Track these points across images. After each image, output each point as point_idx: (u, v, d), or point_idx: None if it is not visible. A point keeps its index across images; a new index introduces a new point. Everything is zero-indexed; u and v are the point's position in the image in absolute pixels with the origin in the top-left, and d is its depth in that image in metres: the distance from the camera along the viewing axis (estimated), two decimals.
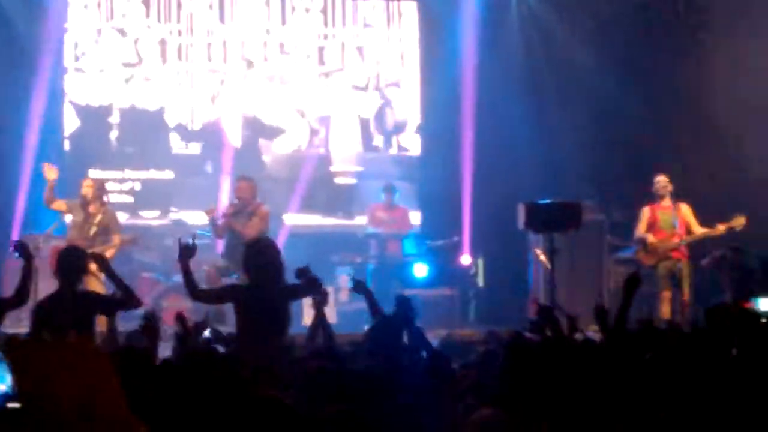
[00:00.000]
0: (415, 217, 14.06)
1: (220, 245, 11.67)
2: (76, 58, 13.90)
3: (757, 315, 6.36)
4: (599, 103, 13.88)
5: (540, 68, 14.33)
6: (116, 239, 10.75)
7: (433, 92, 14.51)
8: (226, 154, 14.04)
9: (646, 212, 11.62)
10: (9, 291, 11.49)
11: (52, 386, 3.55)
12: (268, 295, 7.23)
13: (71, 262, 7.35)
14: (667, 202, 11.52)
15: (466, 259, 13.44)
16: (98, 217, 10.73)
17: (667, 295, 11.35)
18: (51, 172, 10.73)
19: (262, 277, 7.30)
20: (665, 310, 11.21)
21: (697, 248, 11.65)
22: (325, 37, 14.57)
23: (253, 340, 7.01)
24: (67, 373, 3.56)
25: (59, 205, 10.80)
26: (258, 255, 7.41)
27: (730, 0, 13.61)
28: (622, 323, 5.71)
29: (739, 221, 11.11)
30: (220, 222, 11.35)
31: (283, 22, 14.45)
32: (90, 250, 10.14)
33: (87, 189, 10.81)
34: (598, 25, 14.02)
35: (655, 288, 11.38)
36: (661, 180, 11.54)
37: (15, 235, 12.63)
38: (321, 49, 14.55)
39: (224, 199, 13.16)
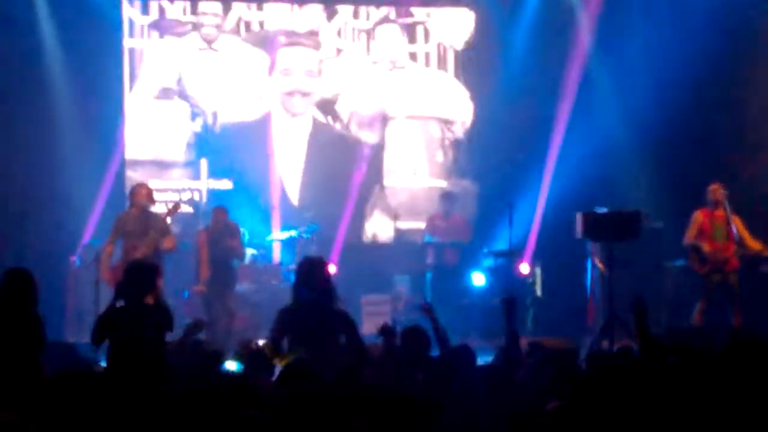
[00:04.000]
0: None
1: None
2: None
3: None
4: (655, 114, 13.89)
5: (599, 80, 14.35)
6: (170, 236, 11.03)
7: (487, 103, 14.60)
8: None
9: (698, 218, 11.32)
10: (71, 297, 12.28)
11: None
12: (319, 316, 7.23)
13: (141, 277, 7.24)
14: (720, 211, 11.23)
15: (525, 268, 13.46)
16: (154, 219, 10.99)
17: (703, 305, 11.14)
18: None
19: (314, 298, 7.30)
20: (698, 318, 11.06)
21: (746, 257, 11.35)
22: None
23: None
24: None
25: (110, 248, 10.95)
26: (310, 275, 7.40)
27: None
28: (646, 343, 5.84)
29: None
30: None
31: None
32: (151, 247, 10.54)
33: (145, 196, 11.03)
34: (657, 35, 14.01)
35: (700, 294, 11.29)
36: (717, 188, 11.24)
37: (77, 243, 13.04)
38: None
39: None
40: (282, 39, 14.46)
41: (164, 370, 6.52)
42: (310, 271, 7.45)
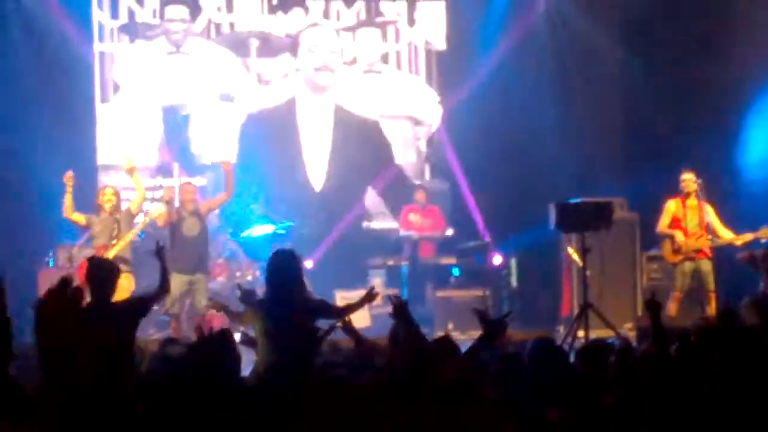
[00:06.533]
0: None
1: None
2: None
3: None
4: (626, 102, 13.94)
5: (567, 68, 14.41)
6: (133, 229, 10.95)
7: (458, 93, 14.59)
8: None
9: (671, 206, 11.24)
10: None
11: None
12: (291, 310, 7.02)
13: (103, 275, 6.85)
14: (693, 200, 11.15)
15: (497, 260, 13.47)
16: (120, 222, 10.91)
17: (678, 295, 11.10)
18: (70, 180, 10.84)
19: (285, 292, 7.12)
20: (673, 309, 10.98)
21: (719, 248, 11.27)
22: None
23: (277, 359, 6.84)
24: None
25: (77, 217, 10.94)
26: (281, 269, 7.21)
27: None
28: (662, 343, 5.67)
29: (766, 232, 10.94)
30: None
31: None
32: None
33: (111, 198, 10.95)
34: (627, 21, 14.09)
35: (672, 284, 11.26)
36: (689, 177, 11.12)
37: (51, 244, 12.87)
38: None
39: None
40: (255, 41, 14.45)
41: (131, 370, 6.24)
42: (280, 264, 7.34)
